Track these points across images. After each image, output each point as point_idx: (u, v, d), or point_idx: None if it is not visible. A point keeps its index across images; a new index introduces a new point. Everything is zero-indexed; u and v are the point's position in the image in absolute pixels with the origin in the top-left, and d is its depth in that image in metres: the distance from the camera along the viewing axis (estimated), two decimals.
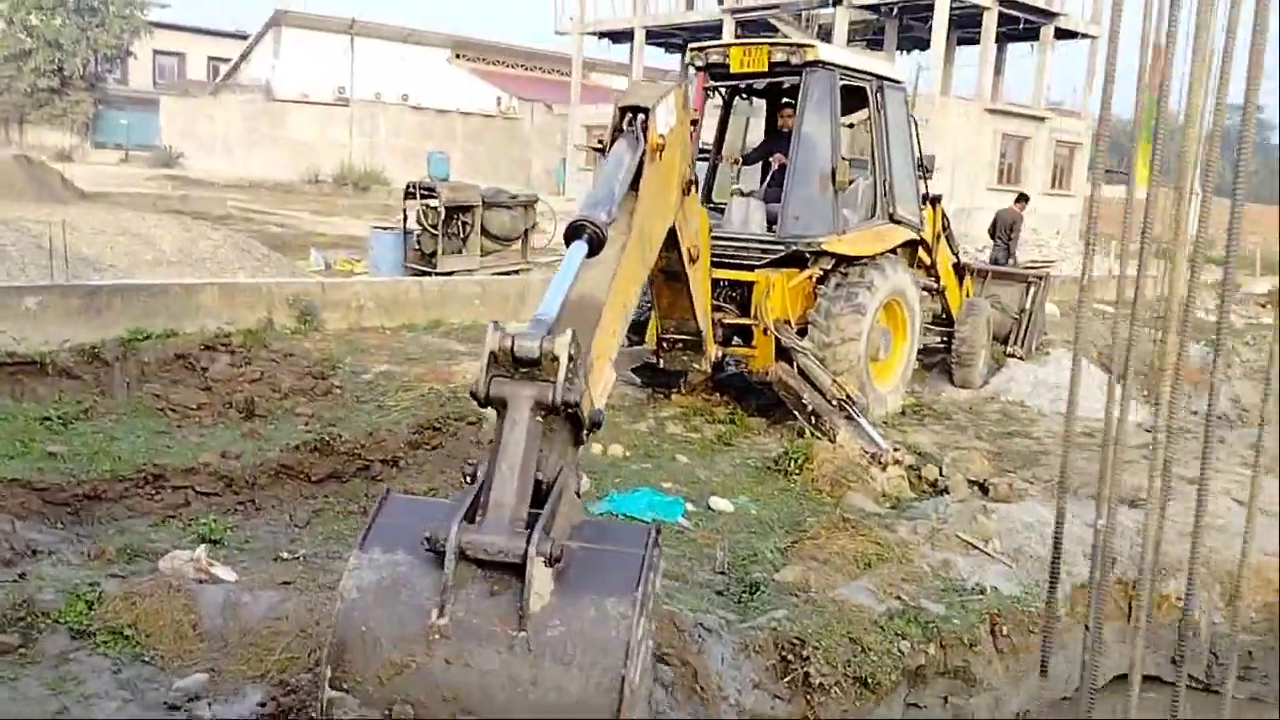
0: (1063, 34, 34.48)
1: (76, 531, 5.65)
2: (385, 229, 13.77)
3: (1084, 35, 34.65)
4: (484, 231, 13.30)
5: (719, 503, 6.28)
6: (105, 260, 10.63)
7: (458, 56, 54.92)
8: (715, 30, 38.61)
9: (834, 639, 4.43)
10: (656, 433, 7.88)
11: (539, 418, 2.56)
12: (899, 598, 4.97)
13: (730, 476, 6.91)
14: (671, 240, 5.64)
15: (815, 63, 7.61)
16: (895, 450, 6.97)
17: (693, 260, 6.38)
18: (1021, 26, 33.31)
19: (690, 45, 8.35)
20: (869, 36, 37.03)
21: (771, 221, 8.07)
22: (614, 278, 3.60)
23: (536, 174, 46.98)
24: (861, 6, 33.17)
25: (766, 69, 7.79)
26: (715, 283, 7.77)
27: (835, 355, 7.61)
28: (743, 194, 8.39)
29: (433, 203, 12.87)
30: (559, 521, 2.50)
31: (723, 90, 8.58)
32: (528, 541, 2.32)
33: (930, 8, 31.69)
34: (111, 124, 48.48)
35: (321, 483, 6.70)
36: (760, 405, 8.38)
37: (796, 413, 7.55)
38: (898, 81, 8.53)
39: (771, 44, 7.78)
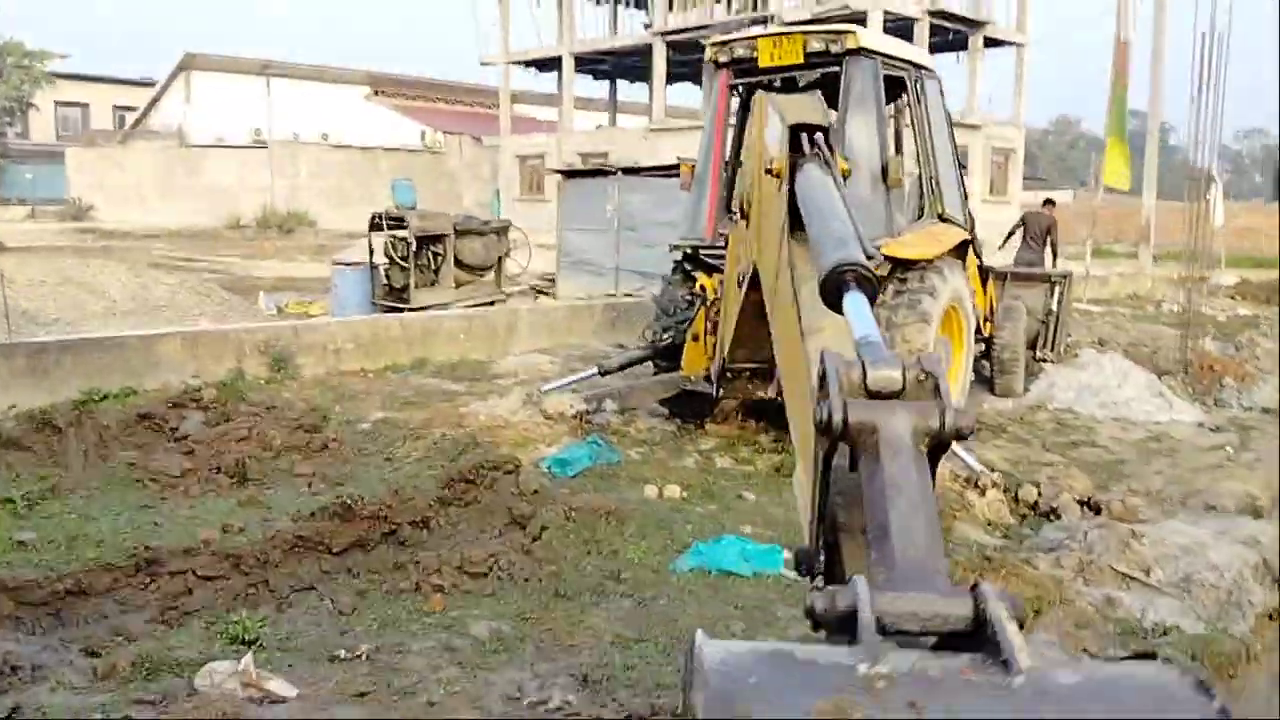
0: (991, 42, 34.72)
1: (62, 637, 4.58)
2: (349, 264, 12.73)
3: (1011, 43, 34.96)
4: (457, 262, 12.36)
5: None
6: (49, 313, 9.47)
7: (376, 93, 53.89)
8: (644, 53, 38.19)
9: None
10: (706, 468, 7.03)
11: (921, 448, 1.70)
12: (1085, 650, 4.19)
13: None
14: None
15: (858, 50, 6.91)
16: (992, 472, 6.21)
17: None
18: (950, 37, 33.47)
19: (710, 40, 7.59)
20: None
21: None
22: None
23: (468, 207, 45.84)
24: (792, 23, 32.95)
25: (801, 60, 7.06)
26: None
27: None
28: None
29: (401, 233, 11.90)
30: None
31: (740, 89, 7.82)
32: (977, 600, 1.44)
33: (860, 21, 31.63)
34: (14, 178, 46.28)
35: (344, 554, 5.69)
36: None
37: None
38: (932, 70, 7.88)
39: (806, 32, 7.04)
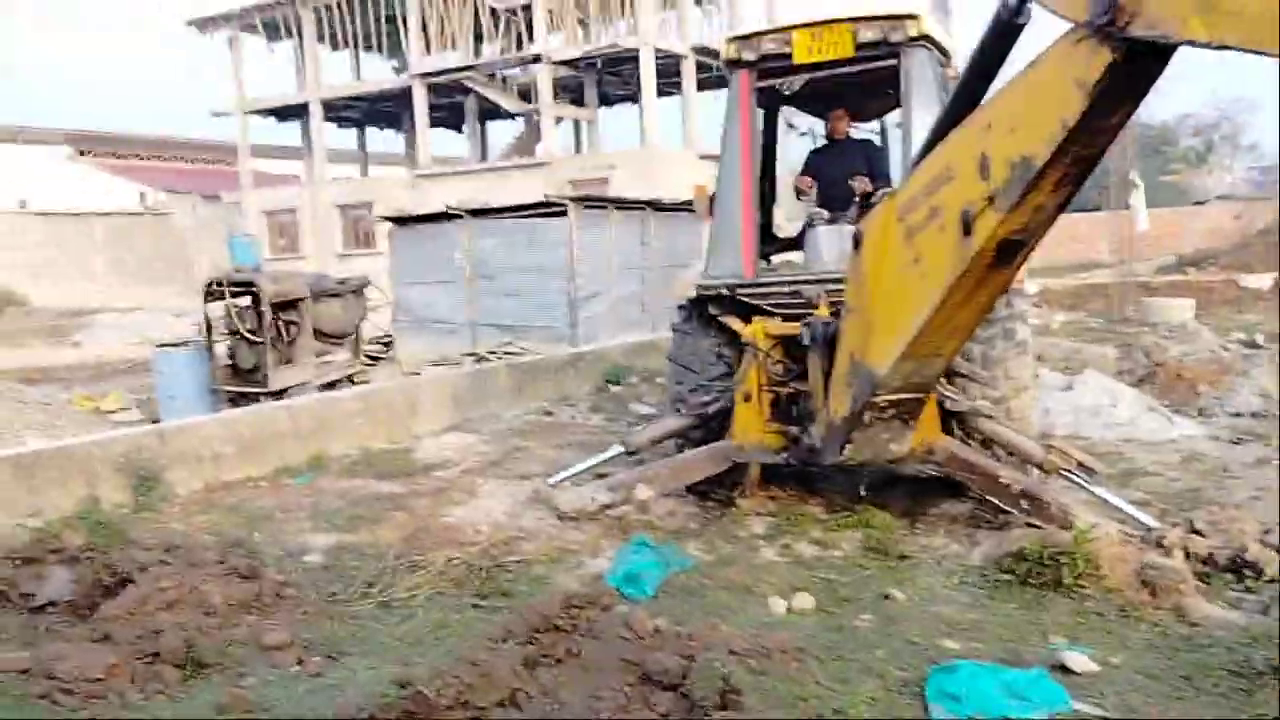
0: None
1: None
2: (173, 346, 10.24)
3: None
4: (315, 330, 10.24)
5: (1073, 659, 4.18)
6: None
7: (81, 153, 48.64)
8: (397, 98, 36.08)
9: None
10: (800, 562, 5.62)
11: None
12: None
13: (996, 610, 4.83)
14: None
15: (921, 38, 5.80)
16: (1174, 525, 5.20)
17: None
18: (714, 73, 33.62)
19: (730, 36, 6.24)
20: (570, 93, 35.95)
21: None
22: None
23: (204, 271, 41.72)
24: (561, 63, 32.04)
25: (851, 53, 5.87)
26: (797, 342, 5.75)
27: (1009, 412, 5.75)
28: (826, 221, 6.36)
29: (243, 301, 9.65)
30: None
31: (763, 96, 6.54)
32: None
33: (628, 60, 31.22)
34: None
35: None
36: (839, 492, 6.37)
37: (991, 498, 5.59)
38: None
39: (855, 20, 5.85)
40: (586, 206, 12.97)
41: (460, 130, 39.44)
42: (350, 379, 10.70)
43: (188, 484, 7.28)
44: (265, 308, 9.53)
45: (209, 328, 9.86)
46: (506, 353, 13.11)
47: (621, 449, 6.27)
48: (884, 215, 4.45)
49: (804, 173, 6.75)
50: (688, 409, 6.22)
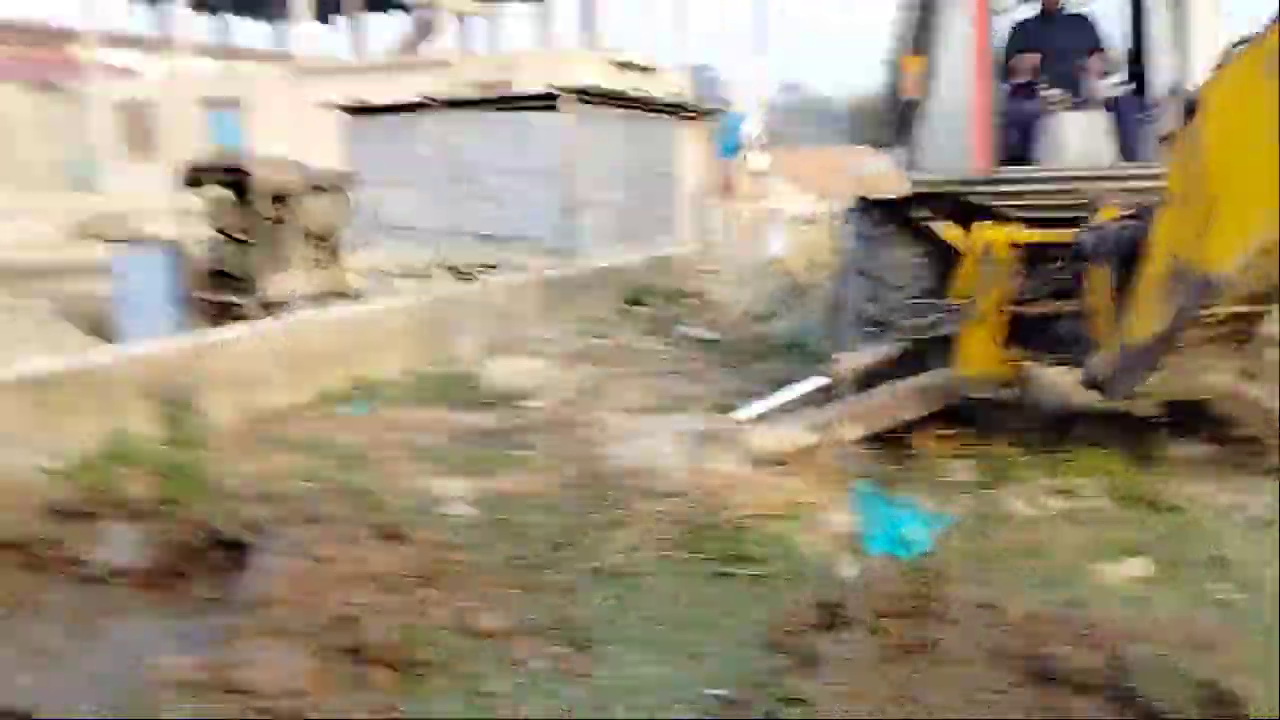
0: None
1: None
2: (133, 244, 8.42)
3: None
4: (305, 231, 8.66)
5: None
6: None
7: None
8: None
9: None
10: (1065, 516, 4.75)
11: None
12: None
13: None
14: None
15: None
16: None
17: None
18: None
19: None
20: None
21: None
22: None
23: (41, 173, 37.65)
24: None
25: None
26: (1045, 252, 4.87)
27: None
28: (1070, 107, 5.34)
29: (226, 194, 7.98)
30: None
31: None
32: None
33: None
34: None
35: None
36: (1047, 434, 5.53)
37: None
38: None
39: None
40: (580, 100, 11.53)
41: (328, 22, 36.29)
42: (342, 293, 9.16)
43: (227, 413, 5.84)
44: (258, 200, 7.92)
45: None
46: (485, 265, 11.70)
47: (824, 380, 5.22)
48: (1246, 69, 3.56)
49: (1013, 50, 5.70)
50: (904, 333, 5.20)
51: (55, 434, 4.93)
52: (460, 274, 11.48)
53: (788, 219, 14.56)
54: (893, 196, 5.30)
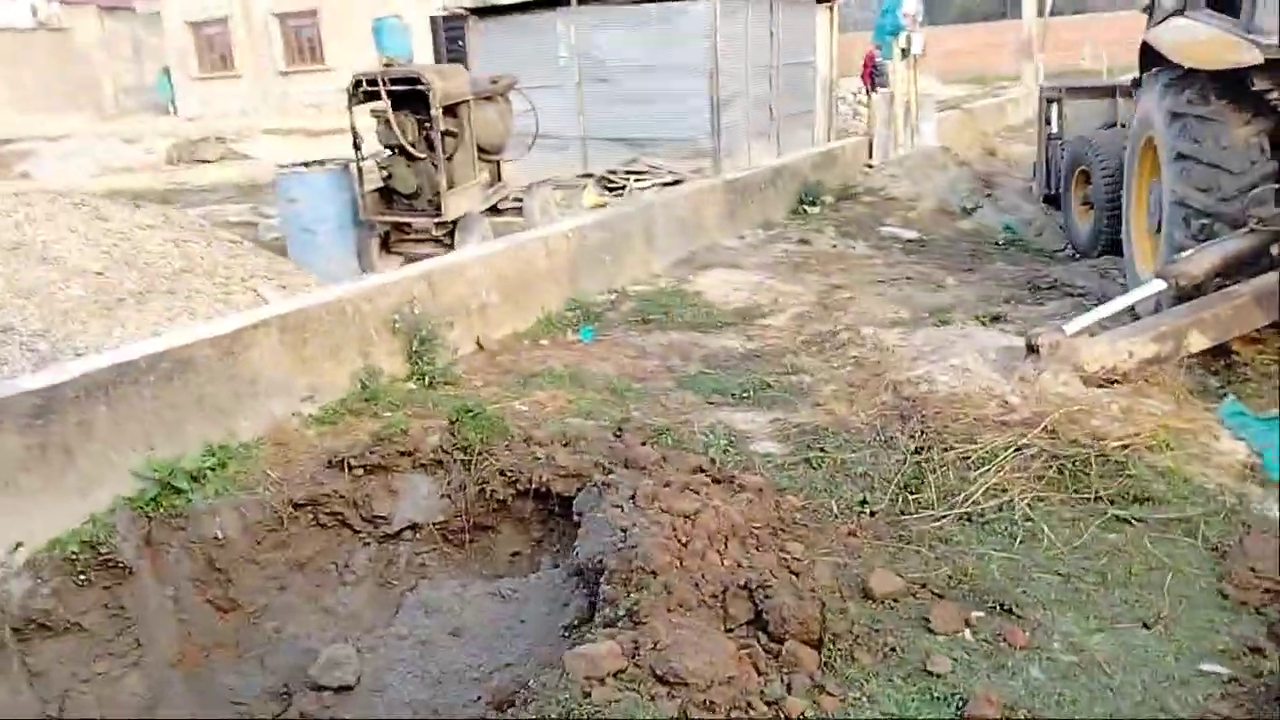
0: None
1: None
2: (304, 166, 7.96)
3: None
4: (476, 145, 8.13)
5: None
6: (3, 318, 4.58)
7: None
8: None
9: None
10: None
11: None
12: None
13: None
14: None
15: None
16: None
17: None
18: None
19: None
20: None
21: None
22: None
23: (110, 95, 37.37)
24: None
25: None
26: None
27: None
28: None
29: (401, 105, 7.42)
30: None
31: None
32: None
33: None
34: None
35: None
36: None
37: None
38: None
39: None
40: None
41: None
42: (506, 207, 8.63)
43: (465, 345, 5.41)
44: (436, 113, 7.37)
45: (359, 144, 7.63)
46: (629, 172, 11.06)
47: (1163, 284, 4.59)
48: None
49: None
50: (1262, 224, 4.52)
51: (314, 377, 4.53)
52: (609, 185, 10.86)
53: (937, 104, 13.66)
54: (1233, 66, 4.58)
